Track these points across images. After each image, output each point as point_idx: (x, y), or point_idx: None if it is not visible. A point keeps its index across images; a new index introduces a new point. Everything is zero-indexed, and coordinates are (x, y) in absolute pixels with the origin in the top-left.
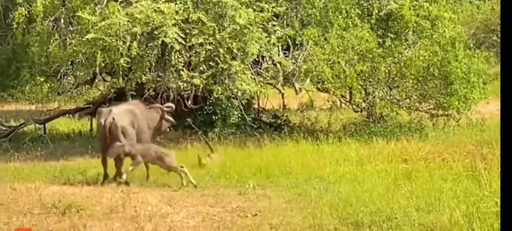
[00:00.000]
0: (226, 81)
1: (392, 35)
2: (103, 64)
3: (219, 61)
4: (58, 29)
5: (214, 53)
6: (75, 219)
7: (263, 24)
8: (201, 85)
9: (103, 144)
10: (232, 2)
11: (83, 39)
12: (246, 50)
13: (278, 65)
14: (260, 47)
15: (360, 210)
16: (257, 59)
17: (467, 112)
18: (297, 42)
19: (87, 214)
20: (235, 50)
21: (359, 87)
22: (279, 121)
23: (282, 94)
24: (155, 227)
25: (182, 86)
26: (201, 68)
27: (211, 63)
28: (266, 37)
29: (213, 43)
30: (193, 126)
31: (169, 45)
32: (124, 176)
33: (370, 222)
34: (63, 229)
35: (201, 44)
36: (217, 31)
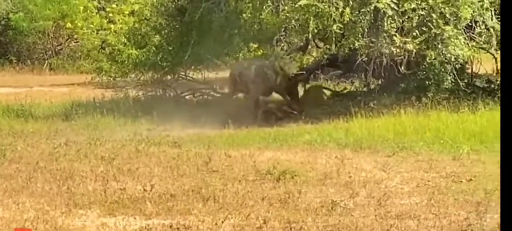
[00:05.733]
0: (439, 46)
1: None
2: (316, 31)
3: (432, 26)
4: None
5: (427, 18)
6: (289, 185)
7: None
8: (414, 50)
9: None
10: None
11: (296, 6)
12: (459, 15)
13: (491, 29)
14: (473, 11)
15: None
16: (470, 23)
17: None
18: None
19: (302, 180)
20: (447, 15)
21: None
22: (492, 86)
23: (496, 59)
24: (369, 193)
25: (395, 52)
26: (414, 33)
27: (424, 28)
28: (479, 1)
29: (426, 8)
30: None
31: (382, 11)
32: None
33: None
34: (278, 195)
35: (413, 10)
36: None
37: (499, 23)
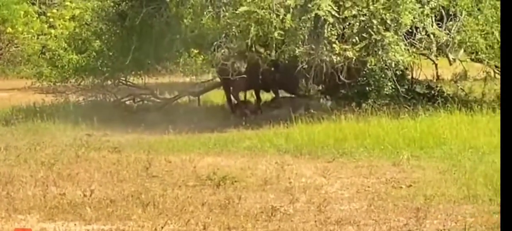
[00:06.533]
0: (380, 52)
1: None
2: (256, 37)
3: (372, 32)
4: (212, 1)
5: (367, 25)
6: (229, 191)
7: None
8: (354, 57)
9: None
10: None
11: (237, 12)
12: (400, 21)
13: (432, 36)
14: (414, 18)
15: None
16: (410, 30)
17: None
18: (450, 12)
19: (242, 186)
20: (388, 21)
21: None
22: (432, 92)
23: (436, 65)
24: (309, 198)
25: (335, 59)
26: (354, 40)
27: (364, 34)
28: (419, 8)
29: (367, 14)
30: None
31: (322, 18)
32: None
33: None
34: (218, 201)
35: (354, 16)
36: (370, 3)
37: (439, 29)
